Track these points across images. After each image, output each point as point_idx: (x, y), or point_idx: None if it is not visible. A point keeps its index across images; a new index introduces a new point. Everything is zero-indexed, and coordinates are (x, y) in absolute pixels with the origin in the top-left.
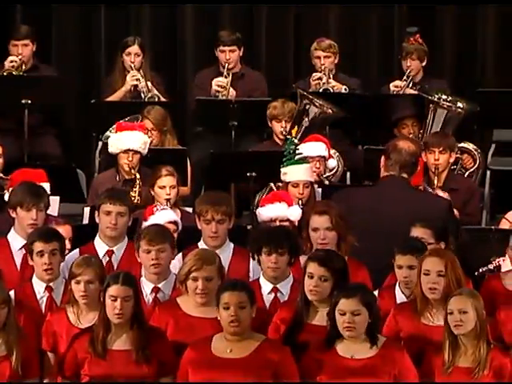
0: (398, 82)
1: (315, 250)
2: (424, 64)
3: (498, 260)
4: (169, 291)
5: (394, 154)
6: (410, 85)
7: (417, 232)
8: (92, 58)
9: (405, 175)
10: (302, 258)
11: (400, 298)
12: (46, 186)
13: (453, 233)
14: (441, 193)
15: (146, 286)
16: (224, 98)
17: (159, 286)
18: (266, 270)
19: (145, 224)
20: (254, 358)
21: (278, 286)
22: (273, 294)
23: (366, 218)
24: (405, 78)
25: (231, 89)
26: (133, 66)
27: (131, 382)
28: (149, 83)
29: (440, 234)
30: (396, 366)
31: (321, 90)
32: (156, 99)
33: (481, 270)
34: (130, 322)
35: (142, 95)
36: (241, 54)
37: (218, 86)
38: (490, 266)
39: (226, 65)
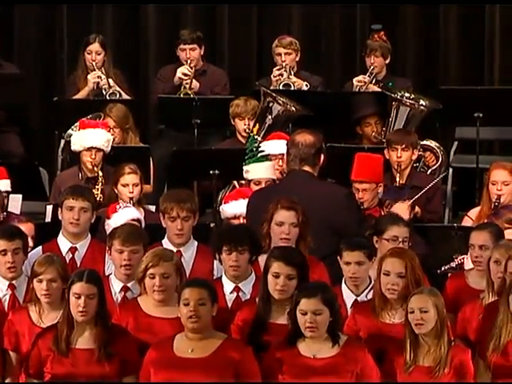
0: (361, 77)
1: (274, 247)
2: (387, 61)
3: (460, 258)
4: (138, 291)
5: (292, 149)
6: (374, 81)
7: (400, 231)
8: (55, 56)
9: (306, 168)
10: (261, 257)
11: (347, 294)
12: (7, 183)
13: (354, 222)
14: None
15: (116, 285)
16: (187, 86)
17: (128, 285)
18: (227, 269)
19: (108, 222)
20: (215, 358)
21: (239, 285)
22: (235, 294)
23: None
24: (368, 74)
25: (194, 80)
26: (94, 64)
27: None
28: (110, 80)
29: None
30: (358, 365)
31: (281, 86)
32: (117, 95)
33: (443, 268)
34: (94, 320)
35: (104, 92)
36: (202, 53)
37: (183, 73)
38: (453, 264)
39: (188, 62)
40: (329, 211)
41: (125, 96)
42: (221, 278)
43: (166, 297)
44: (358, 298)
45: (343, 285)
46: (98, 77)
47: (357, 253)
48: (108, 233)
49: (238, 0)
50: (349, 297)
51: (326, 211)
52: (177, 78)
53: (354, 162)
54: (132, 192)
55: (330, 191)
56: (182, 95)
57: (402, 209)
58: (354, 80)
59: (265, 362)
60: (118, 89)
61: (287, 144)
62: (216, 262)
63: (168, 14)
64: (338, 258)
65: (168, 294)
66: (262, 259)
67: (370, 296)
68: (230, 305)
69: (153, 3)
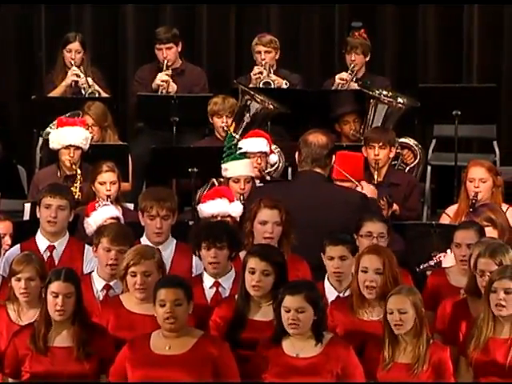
0: (343, 74)
1: (254, 245)
2: (367, 59)
3: (438, 256)
4: (120, 290)
5: (305, 149)
6: (354, 79)
7: (375, 227)
8: (33, 54)
9: (318, 169)
10: (243, 254)
11: (329, 290)
12: None
13: None
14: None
15: (98, 283)
16: (164, 91)
17: (111, 283)
18: (206, 265)
19: (87, 220)
20: (192, 354)
21: (219, 280)
22: (214, 289)
23: None
24: (349, 71)
25: (172, 83)
26: (73, 62)
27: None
28: (89, 79)
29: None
30: (339, 364)
31: (261, 84)
32: (97, 95)
33: (422, 267)
34: (72, 318)
35: (83, 91)
36: (179, 50)
37: (162, 80)
38: (431, 262)
39: (165, 61)
40: (345, 215)
41: (103, 95)
42: (201, 274)
43: (147, 294)
44: (341, 295)
45: (326, 281)
46: (77, 75)
47: (340, 247)
48: (89, 230)
49: (217, 0)
50: (331, 293)
51: (342, 215)
52: (155, 85)
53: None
54: (109, 190)
55: (345, 195)
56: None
57: (367, 188)
58: (337, 77)
59: (252, 360)
60: (97, 88)
61: (298, 143)
62: (195, 260)
63: (146, 11)
64: (322, 254)
65: (150, 291)
66: (243, 256)
67: None
68: (209, 300)
69: (131, 3)
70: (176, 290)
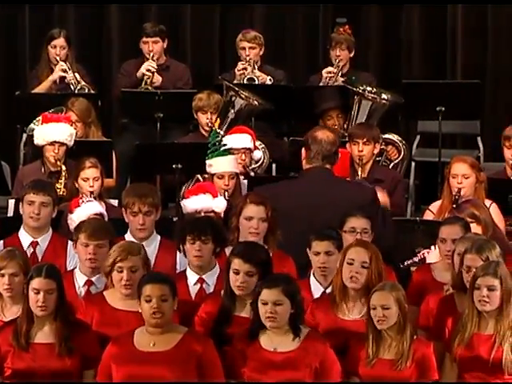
0: (330, 68)
1: (237, 243)
2: (352, 55)
3: (422, 252)
4: (102, 285)
5: (314, 145)
6: (340, 74)
7: (358, 222)
8: (17, 50)
9: (328, 166)
10: (228, 250)
11: (315, 286)
12: None
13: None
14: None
15: (80, 279)
16: (149, 81)
17: (93, 279)
18: (191, 259)
19: (70, 216)
20: (177, 351)
21: (203, 276)
22: (198, 285)
23: (292, 211)
24: (335, 66)
25: (157, 75)
26: (58, 58)
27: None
28: (77, 75)
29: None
30: (318, 358)
31: (245, 80)
32: (86, 90)
33: (406, 263)
34: (54, 314)
35: (72, 87)
36: (165, 46)
37: (148, 70)
38: (415, 259)
39: (151, 55)
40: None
41: (91, 91)
42: (185, 271)
43: (133, 291)
44: (327, 291)
45: (311, 277)
46: (65, 70)
47: (326, 242)
48: (73, 227)
49: (201, 0)
50: (317, 289)
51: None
52: (140, 73)
53: None
54: (92, 186)
55: (358, 191)
56: (142, 90)
57: (382, 197)
58: (324, 71)
59: (228, 354)
60: (84, 83)
61: (307, 140)
62: (179, 256)
63: (131, 7)
64: (308, 249)
65: (135, 287)
66: (228, 252)
67: None
68: (193, 297)
69: (116, 3)
70: (162, 286)
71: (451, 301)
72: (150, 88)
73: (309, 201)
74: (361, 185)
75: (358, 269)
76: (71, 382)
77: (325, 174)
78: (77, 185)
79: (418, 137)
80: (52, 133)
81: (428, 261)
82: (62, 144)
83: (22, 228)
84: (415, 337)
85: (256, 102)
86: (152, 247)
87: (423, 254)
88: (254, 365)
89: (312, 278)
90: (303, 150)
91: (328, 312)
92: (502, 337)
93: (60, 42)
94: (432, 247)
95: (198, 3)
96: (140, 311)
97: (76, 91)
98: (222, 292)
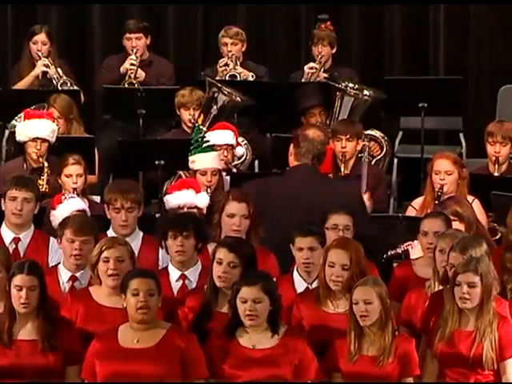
0: (312, 64)
1: (225, 237)
2: (334, 51)
3: (406, 244)
4: (86, 281)
5: (305, 143)
6: (322, 70)
7: (340, 219)
8: None
9: (316, 164)
10: (211, 246)
11: (298, 282)
12: None
13: (362, 220)
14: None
15: (64, 274)
16: (132, 75)
17: (77, 275)
18: (172, 255)
19: (53, 213)
20: (161, 347)
21: (185, 273)
22: (181, 281)
23: (279, 208)
24: (317, 62)
25: (140, 70)
26: (40, 54)
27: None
28: (59, 70)
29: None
30: (297, 355)
31: (227, 77)
32: (69, 84)
33: (389, 254)
34: (36, 311)
35: (54, 82)
36: (148, 43)
37: (132, 64)
38: (398, 250)
39: (134, 51)
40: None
41: (75, 87)
42: (167, 267)
43: (118, 283)
44: (310, 286)
45: (295, 272)
46: (47, 65)
47: (309, 238)
48: (55, 223)
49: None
50: (300, 285)
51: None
52: (124, 69)
53: None
54: (76, 183)
55: (346, 189)
56: (126, 85)
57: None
58: (306, 67)
59: (205, 351)
60: (66, 78)
61: (297, 137)
62: (161, 253)
63: (114, 12)
64: (291, 245)
65: (121, 280)
66: (211, 248)
67: None
68: (175, 293)
69: (98, 3)
70: (149, 281)
71: (440, 297)
72: (134, 82)
73: (298, 199)
74: (347, 183)
75: (338, 272)
76: (58, 383)
77: (313, 172)
78: (60, 181)
79: (401, 133)
80: (34, 129)
81: (412, 256)
82: (44, 140)
83: (3, 224)
84: (397, 333)
85: (239, 99)
86: (134, 243)
87: (406, 246)
88: (234, 362)
89: (295, 274)
90: (292, 146)
91: (313, 306)
92: (482, 333)
93: (41, 37)
94: (415, 241)
95: (180, 3)
96: (124, 306)
97: (59, 86)
98: (205, 287)
